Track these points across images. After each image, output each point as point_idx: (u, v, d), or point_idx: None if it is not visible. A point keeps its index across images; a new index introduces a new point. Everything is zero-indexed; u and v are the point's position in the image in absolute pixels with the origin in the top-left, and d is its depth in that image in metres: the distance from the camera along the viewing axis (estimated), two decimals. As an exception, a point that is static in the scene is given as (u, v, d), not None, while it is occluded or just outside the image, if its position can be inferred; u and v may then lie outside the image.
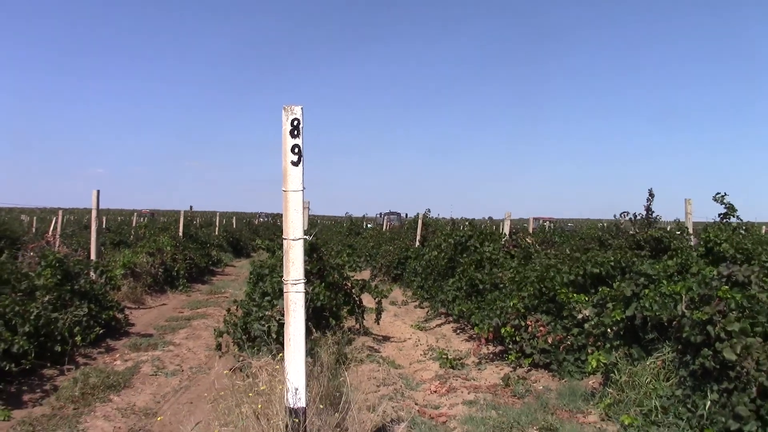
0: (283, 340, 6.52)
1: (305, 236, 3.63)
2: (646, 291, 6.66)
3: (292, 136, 3.57)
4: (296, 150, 3.58)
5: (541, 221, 37.07)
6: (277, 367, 5.44)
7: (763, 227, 21.83)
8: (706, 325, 5.36)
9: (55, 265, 8.72)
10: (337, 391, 6.25)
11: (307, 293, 7.48)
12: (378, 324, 11.35)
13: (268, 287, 7.32)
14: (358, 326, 10.21)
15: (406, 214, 41.46)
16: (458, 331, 10.74)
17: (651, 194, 13.00)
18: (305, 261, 7.93)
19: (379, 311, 10.38)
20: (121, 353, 8.49)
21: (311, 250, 8.19)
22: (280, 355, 6.33)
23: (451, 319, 11.41)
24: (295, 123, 3.57)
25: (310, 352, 6.60)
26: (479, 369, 8.11)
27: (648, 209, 13.24)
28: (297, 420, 3.62)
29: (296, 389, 3.63)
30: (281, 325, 6.77)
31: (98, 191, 11.33)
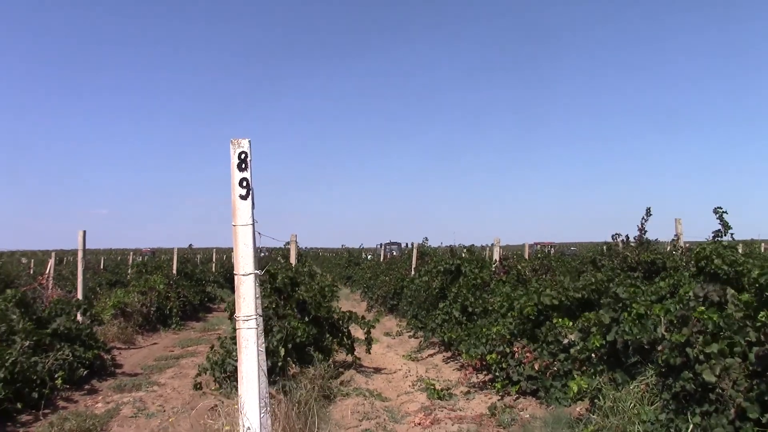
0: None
1: (257, 271, 3.57)
2: (625, 315, 6.56)
3: (240, 169, 3.54)
4: (244, 183, 3.55)
5: (539, 246, 36.96)
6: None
7: (762, 244, 21.71)
8: (685, 347, 5.26)
9: (20, 302, 8.63)
10: (316, 427, 6.15)
11: (284, 329, 7.42)
12: (369, 355, 11.23)
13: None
14: (348, 359, 10.10)
15: (407, 244, 41.40)
16: (449, 360, 10.59)
17: (648, 213, 12.90)
18: (286, 296, 7.83)
19: (368, 342, 10.26)
20: (104, 395, 8.37)
21: (291, 284, 8.12)
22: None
23: (443, 348, 11.28)
24: (243, 156, 3.54)
25: (284, 389, 6.50)
26: (467, 399, 7.96)
27: (642, 229, 13.15)
28: (253, 460, 3.51)
29: (251, 429, 3.53)
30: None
31: (84, 232, 11.30)
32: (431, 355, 11.40)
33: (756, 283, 5.35)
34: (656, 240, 12.87)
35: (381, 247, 46.27)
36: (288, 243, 11.76)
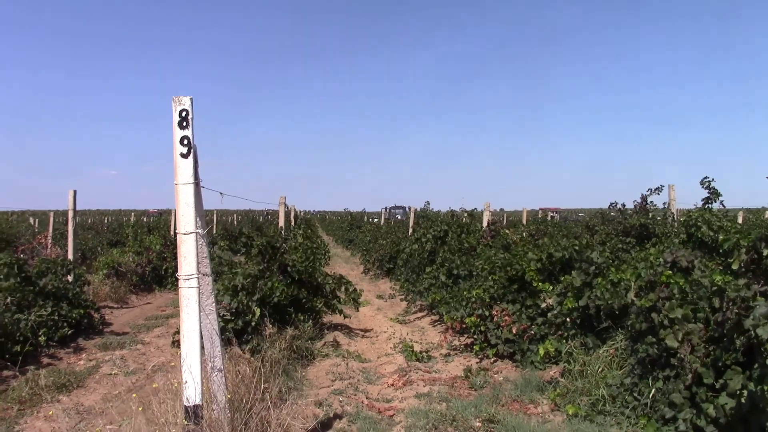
0: (230, 335, 6.47)
1: (198, 230, 3.54)
2: (598, 279, 6.53)
3: (181, 127, 3.48)
4: (185, 141, 3.50)
5: (541, 212, 36.85)
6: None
7: (740, 213, 21.59)
8: (651, 312, 5.24)
9: (11, 264, 8.71)
10: (285, 387, 6.20)
11: (260, 289, 7.44)
12: (357, 317, 11.29)
13: (220, 285, 7.26)
14: (336, 320, 10.16)
15: (410, 208, 41.24)
16: (436, 324, 10.63)
17: (658, 189, 12.69)
18: (267, 257, 7.83)
19: (356, 303, 10.30)
20: (88, 353, 8.47)
21: (271, 247, 8.13)
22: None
23: (430, 311, 11.32)
24: (184, 114, 3.48)
25: (256, 348, 6.55)
26: (446, 361, 8.00)
27: (644, 198, 13.04)
28: (194, 416, 3.53)
29: (192, 386, 3.54)
30: (225, 321, 6.72)
31: (74, 191, 11.32)
32: (419, 318, 11.44)
33: (720, 248, 5.28)
34: (655, 206, 12.75)
35: (387, 210, 46.26)
36: (289, 206, 11.74)
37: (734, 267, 4.61)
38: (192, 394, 3.53)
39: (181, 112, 3.47)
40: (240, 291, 7.02)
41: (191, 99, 3.51)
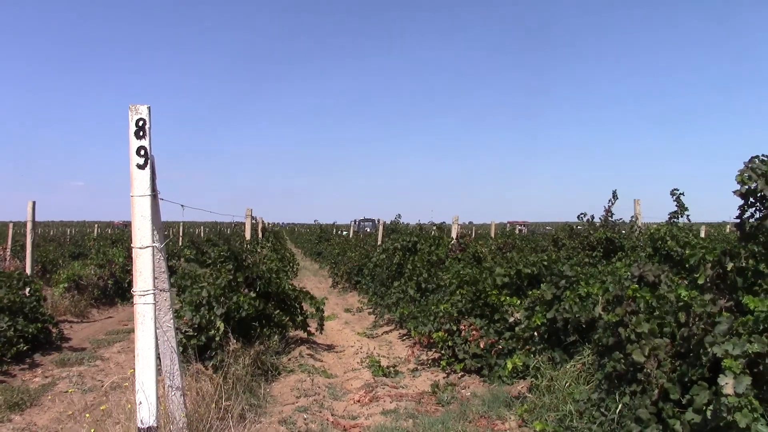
0: (193, 352, 6.29)
1: (155, 244, 3.41)
2: (567, 293, 6.51)
3: (138, 137, 3.35)
4: (142, 152, 3.37)
5: (509, 225, 37.10)
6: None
7: (702, 227, 22.09)
8: (618, 327, 5.22)
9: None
10: (248, 404, 6.04)
11: (224, 303, 7.26)
12: (324, 332, 11.13)
13: (186, 297, 7.07)
14: (302, 335, 9.99)
15: (379, 221, 41.21)
16: (404, 338, 10.53)
17: (615, 196, 12.87)
18: (232, 270, 7.66)
19: (321, 320, 10.16)
20: (44, 369, 8.19)
21: (236, 260, 7.96)
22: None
23: (398, 325, 11.22)
24: (141, 123, 3.35)
25: (219, 364, 6.37)
26: (414, 376, 7.90)
27: (608, 211, 13.14)
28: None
29: (146, 407, 3.39)
30: (188, 337, 6.54)
31: (33, 202, 10.96)
32: (387, 332, 11.33)
33: (686, 263, 5.30)
34: (621, 221, 12.85)
35: (356, 223, 46.11)
36: (263, 219, 11.56)
37: (700, 281, 4.61)
38: (146, 415, 3.38)
39: (138, 121, 3.34)
40: (202, 306, 6.84)
41: (149, 108, 3.38)
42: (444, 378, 7.55)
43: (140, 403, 3.36)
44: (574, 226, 15.18)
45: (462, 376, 7.54)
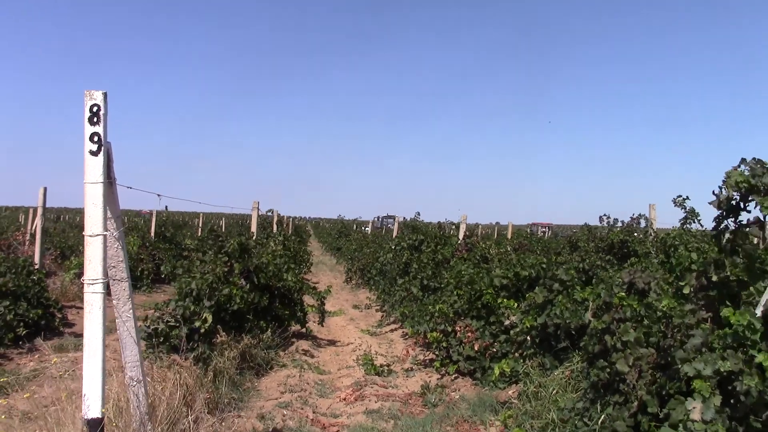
0: (176, 342, 6.25)
1: (106, 233, 3.35)
2: (560, 297, 6.33)
3: (92, 123, 3.28)
4: (96, 138, 3.30)
5: (532, 226, 36.67)
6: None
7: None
8: (605, 334, 5.04)
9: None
10: (228, 398, 5.98)
11: (214, 295, 7.22)
12: (326, 327, 11.08)
13: (176, 286, 7.04)
14: (302, 330, 9.93)
15: (395, 218, 41.02)
16: (406, 337, 10.40)
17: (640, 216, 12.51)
18: (228, 262, 7.62)
19: (321, 315, 10.10)
20: (41, 354, 8.24)
21: (241, 251, 7.92)
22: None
23: (402, 324, 11.10)
24: (95, 109, 3.29)
25: (203, 356, 6.32)
26: (408, 376, 7.79)
27: (636, 219, 12.82)
28: (94, 431, 3.32)
29: (92, 398, 3.34)
30: (170, 327, 6.51)
31: (45, 189, 11.11)
32: (392, 331, 11.21)
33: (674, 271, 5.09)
34: (643, 226, 12.54)
35: (379, 219, 45.97)
36: (269, 211, 11.55)
37: (685, 291, 4.40)
38: (91, 406, 3.32)
39: (92, 107, 3.28)
40: (188, 296, 6.80)
41: (105, 93, 3.31)
42: (437, 379, 7.41)
43: (85, 394, 3.31)
44: (593, 228, 14.89)
45: (455, 378, 7.40)
